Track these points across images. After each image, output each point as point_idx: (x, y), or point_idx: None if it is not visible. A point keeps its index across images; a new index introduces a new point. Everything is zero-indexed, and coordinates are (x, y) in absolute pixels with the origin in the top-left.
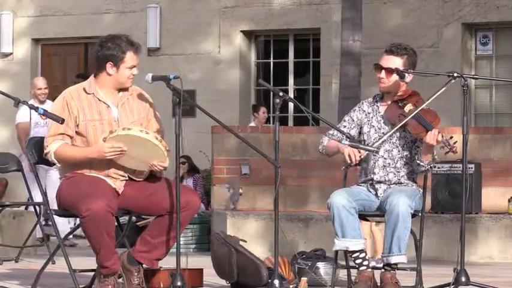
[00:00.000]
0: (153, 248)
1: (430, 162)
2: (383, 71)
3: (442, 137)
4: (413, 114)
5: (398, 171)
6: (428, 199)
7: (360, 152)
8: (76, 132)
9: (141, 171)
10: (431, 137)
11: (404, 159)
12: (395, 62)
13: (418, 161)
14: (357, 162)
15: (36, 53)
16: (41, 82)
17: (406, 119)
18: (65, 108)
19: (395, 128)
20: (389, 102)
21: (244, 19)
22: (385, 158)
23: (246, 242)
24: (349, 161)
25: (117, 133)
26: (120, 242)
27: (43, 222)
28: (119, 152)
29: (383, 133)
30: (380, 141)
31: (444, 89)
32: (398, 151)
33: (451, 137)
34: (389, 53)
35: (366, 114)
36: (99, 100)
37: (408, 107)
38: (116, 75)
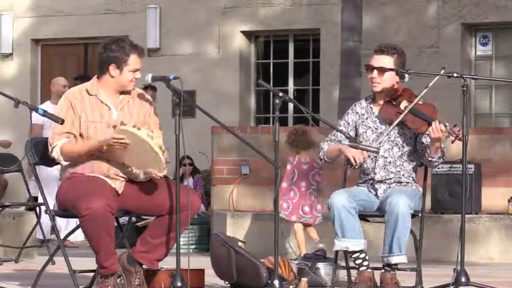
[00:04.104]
0: (153, 249)
1: (441, 156)
2: (375, 70)
3: (446, 126)
4: (409, 108)
5: (399, 170)
6: (428, 199)
7: (363, 154)
8: None
9: (137, 174)
10: (435, 130)
11: (405, 157)
12: (386, 61)
13: (429, 158)
14: (361, 163)
15: (36, 54)
16: (63, 80)
17: (403, 114)
18: (69, 108)
19: (393, 125)
20: (381, 103)
21: (244, 19)
22: (386, 157)
23: (244, 242)
24: (354, 163)
25: (126, 128)
26: (120, 242)
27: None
28: (122, 144)
29: (380, 133)
30: (379, 140)
31: (436, 79)
32: (399, 148)
33: (455, 125)
34: (380, 52)
35: (359, 116)
36: (101, 102)
37: (403, 104)
38: (118, 78)
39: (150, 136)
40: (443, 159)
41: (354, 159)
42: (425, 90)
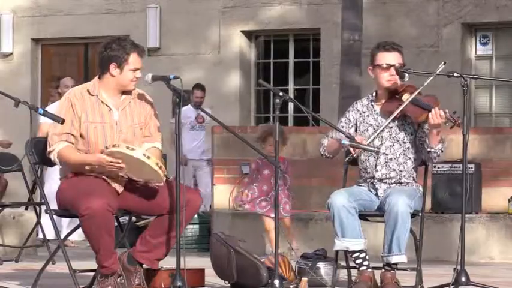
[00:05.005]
0: (153, 248)
1: (440, 146)
2: (392, 68)
3: (445, 113)
4: (410, 98)
5: (401, 170)
6: (429, 199)
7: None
8: None
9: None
10: (434, 116)
11: (406, 154)
12: (397, 57)
13: (428, 149)
14: (365, 146)
15: (36, 53)
16: (68, 81)
17: (404, 104)
18: (70, 108)
19: (394, 114)
20: (383, 101)
21: (244, 19)
22: (387, 154)
23: (245, 242)
24: (353, 152)
25: (120, 150)
26: (120, 242)
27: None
28: (117, 167)
29: (382, 130)
30: (376, 133)
31: (439, 71)
32: (400, 145)
33: (455, 112)
34: (391, 49)
35: (360, 114)
36: (102, 102)
37: (405, 96)
38: (119, 77)
39: (146, 156)
40: (442, 151)
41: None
42: (429, 80)
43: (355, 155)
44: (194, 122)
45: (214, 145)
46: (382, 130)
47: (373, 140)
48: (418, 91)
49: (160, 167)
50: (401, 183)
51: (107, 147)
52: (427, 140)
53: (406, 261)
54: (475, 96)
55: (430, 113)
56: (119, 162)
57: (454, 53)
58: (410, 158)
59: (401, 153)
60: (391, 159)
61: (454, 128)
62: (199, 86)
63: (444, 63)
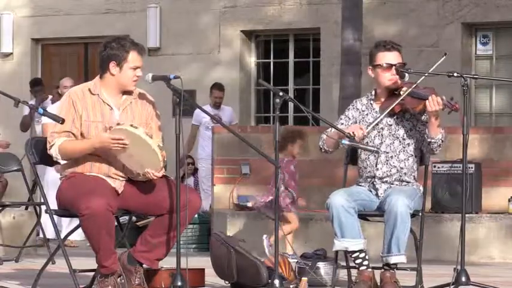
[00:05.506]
0: (153, 248)
1: (440, 136)
2: (393, 68)
3: (443, 99)
4: (408, 91)
5: (402, 167)
6: (429, 199)
7: (362, 129)
8: None
9: (137, 174)
10: (431, 103)
11: (406, 151)
12: (397, 57)
13: (429, 139)
14: (365, 146)
15: (36, 53)
16: (67, 81)
17: (403, 96)
18: (71, 107)
19: (394, 104)
20: (383, 100)
21: (244, 19)
22: (387, 152)
23: (244, 242)
24: (353, 135)
25: (122, 127)
26: (120, 242)
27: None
28: (121, 145)
29: (381, 128)
30: (374, 123)
31: (439, 63)
32: (400, 142)
33: (452, 98)
34: (391, 49)
35: (360, 112)
36: (103, 102)
37: (404, 91)
38: (119, 76)
39: (149, 135)
40: (443, 141)
41: (354, 134)
42: (427, 74)
43: (358, 139)
44: (209, 121)
45: (214, 144)
46: (381, 120)
47: (373, 128)
48: (415, 84)
49: (161, 149)
50: (402, 181)
51: (111, 127)
52: (427, 131)
53: (405, 262)
54: (475, 96)
55: (427, 101)
56: (122, 139)
57: (454, 53)
58: (411, 155)
59: (401, 150)
60: (391, 156)
61: (454, 125)
62: (217, 86)
63: (445, 54)
